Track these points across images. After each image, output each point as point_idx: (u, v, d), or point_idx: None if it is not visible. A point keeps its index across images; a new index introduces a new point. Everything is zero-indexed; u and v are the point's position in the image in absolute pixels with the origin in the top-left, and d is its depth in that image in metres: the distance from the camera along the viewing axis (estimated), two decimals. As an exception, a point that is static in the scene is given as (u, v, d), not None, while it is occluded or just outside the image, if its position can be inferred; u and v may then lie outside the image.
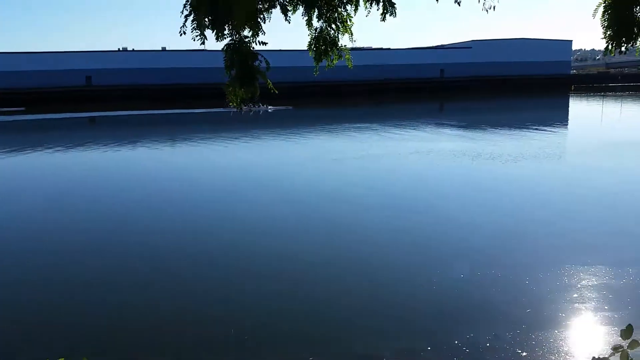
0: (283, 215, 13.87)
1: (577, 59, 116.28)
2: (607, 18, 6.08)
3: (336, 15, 5.29)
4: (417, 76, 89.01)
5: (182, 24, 4.43)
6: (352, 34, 5.49)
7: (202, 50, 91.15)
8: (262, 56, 4.65)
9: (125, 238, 12.42)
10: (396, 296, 8.84)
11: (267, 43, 4.61)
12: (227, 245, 11.70)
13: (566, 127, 37.66)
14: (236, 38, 4.48)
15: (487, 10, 6.23)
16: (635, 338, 2.81)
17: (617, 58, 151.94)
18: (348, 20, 5.39)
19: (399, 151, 24.32)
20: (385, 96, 78.33)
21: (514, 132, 32.49)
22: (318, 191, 16.84)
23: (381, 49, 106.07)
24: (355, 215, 13.77)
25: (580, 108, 58.29)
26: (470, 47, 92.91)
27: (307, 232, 12.49)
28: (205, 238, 12.18)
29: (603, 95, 74.43)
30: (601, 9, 6.20)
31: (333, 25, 5.34)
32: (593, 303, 8.37)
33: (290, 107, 57.91)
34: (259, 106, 55.75)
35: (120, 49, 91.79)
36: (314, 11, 5.27)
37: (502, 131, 32.83)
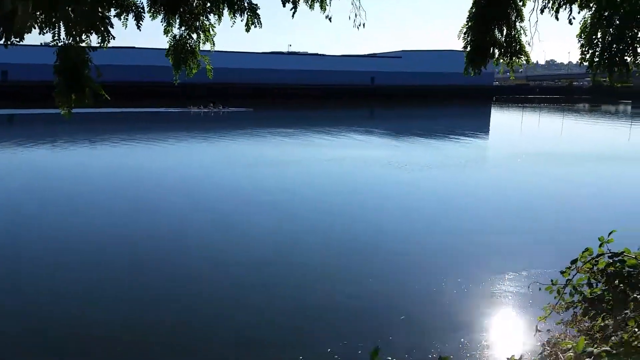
0: (189, 221, 13.70)
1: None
2: (467, 40, 6.43)
3: (197, 23, 5.30)
4: (349, 83, 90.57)
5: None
6: (213, 43, 5.51)
7: (130, 47, 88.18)
8: (93, 63, 4.55)
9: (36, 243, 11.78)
10: (298, 299, 8.90)
11: (96, 48, 4.51)
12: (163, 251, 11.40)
13: (487, 136, 39.53)
14: (68, 43, 4.36)
15: (357, 28, 6.46)
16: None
17: (537, 71, 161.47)
18: (210, 29, 5.41)
19: (318, 157, 24.63)
20: (319, 100, 79.13)
21: (434, 140, 33.68)
22: (227, 195, 16.76)
23: (316, 54, 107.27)
24: (249, 218, 13.80)
25: (500, 118, 61.31)
26: (400, 57, 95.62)
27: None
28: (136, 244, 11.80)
29: (522, 106, 78.73)
30: (464, 31, 6.57)
31: (194, 35, 5.34)
32: (498, 308, 8.75)
33: (251, 109, 57.21)
34: (214, 107, 55.08)
35: (43, 44, 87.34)
36: (175, 19, 5.25)
37: (423, 139, 33.93)
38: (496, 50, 6.54)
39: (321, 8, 6.38)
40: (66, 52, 4.12)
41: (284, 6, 5.11)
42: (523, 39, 6.64)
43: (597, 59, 5.36)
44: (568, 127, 49.17)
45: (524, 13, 6.61)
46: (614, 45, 5.25)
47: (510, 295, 9.26)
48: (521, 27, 6.57)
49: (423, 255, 11.44)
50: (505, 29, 6.54)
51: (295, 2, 5.23)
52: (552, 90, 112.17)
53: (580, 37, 6.06)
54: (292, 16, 5.33)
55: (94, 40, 4.80)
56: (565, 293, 6.33)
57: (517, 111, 70.35)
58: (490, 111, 71.77)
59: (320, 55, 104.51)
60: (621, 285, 5.81)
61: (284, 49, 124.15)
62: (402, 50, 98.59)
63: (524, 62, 6.65)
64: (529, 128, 47.77)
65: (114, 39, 4.59)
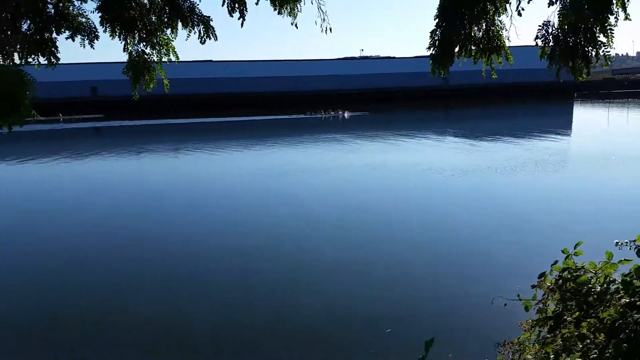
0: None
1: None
2: (433, 39, 6.15)
3: (155, 39, 5.57)
4: (422, 84, 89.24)
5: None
6: (177, 56, 5.76)
7: (209, 61, 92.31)
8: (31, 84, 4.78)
9: (135, 248, 12.89)
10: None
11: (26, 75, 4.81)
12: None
13: (568, 136, 37.35)
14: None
15: (325, 32, 6.46)
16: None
17: (627, 64, 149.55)
18: (169, 42, 5.67)
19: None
20: (392, 103, 78.99)
21: (512, 140, 32.39)
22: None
23: (388, 57, 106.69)
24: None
25: (583, 116, 57.56)
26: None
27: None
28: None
29: (609, 102, 73.41)
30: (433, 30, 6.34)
31: (153, 49, 5.62)
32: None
33: (367, 113, 61.73)
34: (335, 113, 60.98)
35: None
36: (134, 36, 5.56)
37: (499, 140, 32.76)
38: (472, 47, 6.28)
39: (290, 15, 6.47)
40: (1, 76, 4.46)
41: (231, 16, 5.27)
42: (504, 34, 6.33)
43: (557, 51, 5.02)
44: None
45: (505, 6, 6.30)
46: (572, 36, 4.90)
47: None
48: (499, 21, 6.28)
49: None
50: (483, 24, 6.27)
51: (243, 12, 5.36)
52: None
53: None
54: (242, 25, 5.47)
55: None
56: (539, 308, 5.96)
57: (602, 108, 65.63)
58: (572, 109, 67.62)
59: (392, 57, 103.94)
60: (571, 303, 5.37)
61: (356, 54, 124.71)
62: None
63: (505, 59, 6.34)
64: (615, 126, 44.34)
65: (58, 60, 4.98)
